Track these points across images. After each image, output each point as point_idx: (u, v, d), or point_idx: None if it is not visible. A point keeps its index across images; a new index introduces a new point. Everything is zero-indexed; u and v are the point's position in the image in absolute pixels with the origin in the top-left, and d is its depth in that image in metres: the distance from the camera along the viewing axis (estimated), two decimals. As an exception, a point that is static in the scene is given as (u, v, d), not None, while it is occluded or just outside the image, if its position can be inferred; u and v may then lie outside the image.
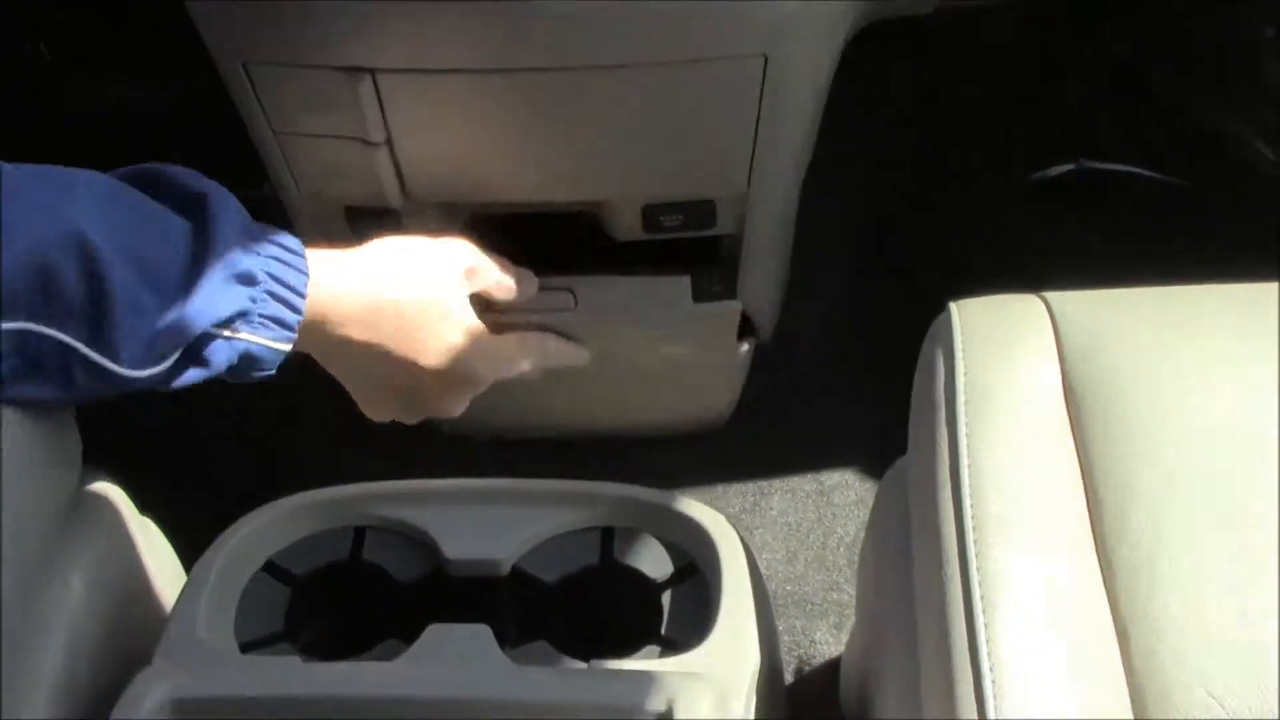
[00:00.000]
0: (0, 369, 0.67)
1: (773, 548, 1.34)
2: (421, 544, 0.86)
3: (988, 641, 0.63)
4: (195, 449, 1.40)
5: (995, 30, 1.42)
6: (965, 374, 0.75)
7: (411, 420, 0.94)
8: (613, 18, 0.79)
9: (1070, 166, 1.65)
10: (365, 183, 0.94)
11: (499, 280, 0.96)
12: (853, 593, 1.29)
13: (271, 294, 0.75)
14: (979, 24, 1.27)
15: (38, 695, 0.77)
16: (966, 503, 0.68)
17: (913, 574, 0.73)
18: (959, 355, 0.76)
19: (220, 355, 0.74)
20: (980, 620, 0.64)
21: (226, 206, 0.74)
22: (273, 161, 0.97)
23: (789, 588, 1.31)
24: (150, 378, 0.72)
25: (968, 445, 0.71)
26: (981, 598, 0.64)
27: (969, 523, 0.67)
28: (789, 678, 1.26)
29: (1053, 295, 0.80)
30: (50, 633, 0.79)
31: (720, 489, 1.39)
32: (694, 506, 0.86)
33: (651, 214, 0.99)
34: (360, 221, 1.00)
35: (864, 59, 1.07)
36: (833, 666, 1.24)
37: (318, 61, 0.85)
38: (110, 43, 1.53)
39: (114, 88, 1.55)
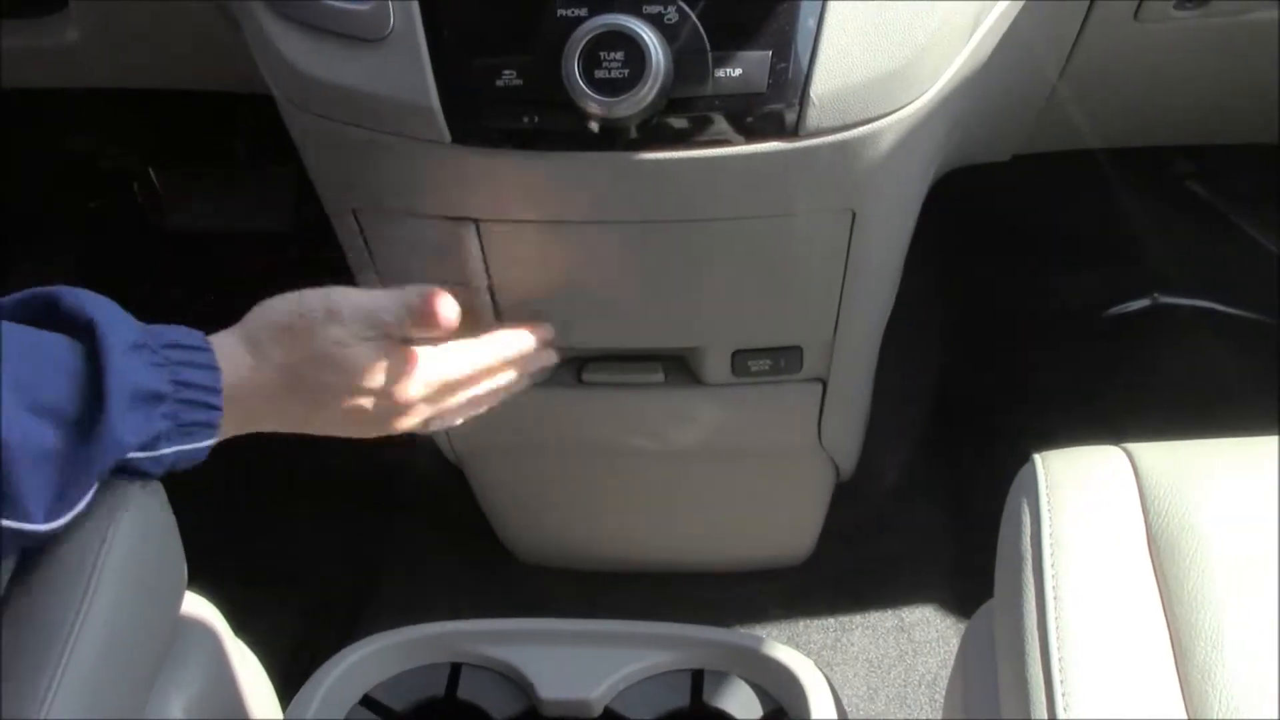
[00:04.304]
0: None
1: (854, 684, 1.34)
2: (516, 682, 0.87)
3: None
4: (286, 565, 1.42)
5: (1070, 172, 1.44)
6: (1051, 526, 0.76)
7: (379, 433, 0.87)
8: (704, 175, 0.82)
9: (1146, 302, 1.65)
10: (466, 324, 0.97)
11: (374, 306, 0.82)
12: (934, 731, 1.29)
13: (185, 401, 0.72)
14: (1054, 168, 1.29)
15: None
16: (1054, 656, 0.69)
17: (1001, 726, 0.74)
18: (1044, 507, 0.77)
19: (149, 471, 0.72)
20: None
21: (117, 328, 0.70)
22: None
23: (870, 726, 1.31)
24: (69, 524, 0.68)
25: (1054, 598, 0.72)
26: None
27: (1056, 677, 0.68)
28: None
29: (1134, 446, 0.81)
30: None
31: (801, 624, 1.38)
32: (783, 651, 0.87)
33: (740, 359, 1.01)
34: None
35: (942, 202, 1.10)
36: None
37: (426, 211, 0.89)
38: (215, 176, 1.59)
39: (218, 218, 1.60)
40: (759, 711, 0.86)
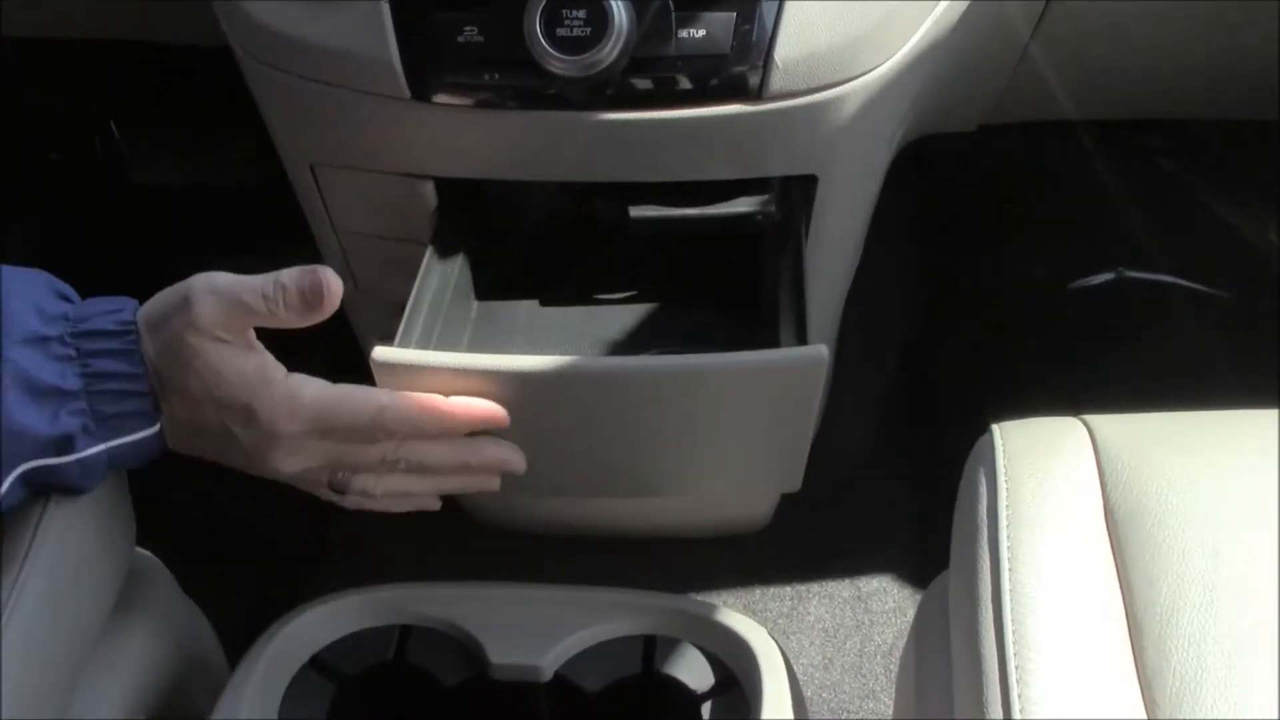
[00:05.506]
0: None
1: (809, 653, 1.34)
2: (465, 646, 0.86)
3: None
4: (238, 521, 1.40)
5: (1037, 144, 1.44)
6: (1008, 497, 0.75)
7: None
8: (664, 137, 0.81)
9: (1110, 276, 1.65)
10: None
11: (231, 290, 0.68)
12: (889, 702, 1.29)
13: (103, 393, 0.66)
14: (1021, 140, 1.29)
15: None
16: (1008, 627, 0.69)
17: (953, 696, 0.73)
18: (1001, 478, 0.76)
19: (78, 477, 0.67)
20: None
21: (17, 317, 0.64)
22: (333, 258, 0.99)
23: (825, 695, 1.31)
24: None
25: (1010, 569, 0.72)
26: (1022, 726, 0.65)
27: (1010, 648, 0.68)
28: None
29: (1093, 418, 0.80)
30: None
31: (758, 592, 1.38)
32: (736, 618, 0.86)
33: None
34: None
35: (907, 172, 1.09)
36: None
37: (384, 168, 0.87)
38: (178, 130, 1.57)
39: (183, 172, 1.58)
40: (711, 679, 0.85)
